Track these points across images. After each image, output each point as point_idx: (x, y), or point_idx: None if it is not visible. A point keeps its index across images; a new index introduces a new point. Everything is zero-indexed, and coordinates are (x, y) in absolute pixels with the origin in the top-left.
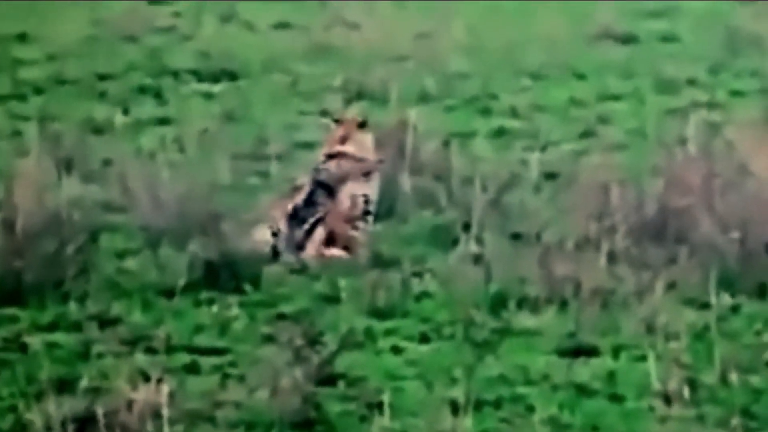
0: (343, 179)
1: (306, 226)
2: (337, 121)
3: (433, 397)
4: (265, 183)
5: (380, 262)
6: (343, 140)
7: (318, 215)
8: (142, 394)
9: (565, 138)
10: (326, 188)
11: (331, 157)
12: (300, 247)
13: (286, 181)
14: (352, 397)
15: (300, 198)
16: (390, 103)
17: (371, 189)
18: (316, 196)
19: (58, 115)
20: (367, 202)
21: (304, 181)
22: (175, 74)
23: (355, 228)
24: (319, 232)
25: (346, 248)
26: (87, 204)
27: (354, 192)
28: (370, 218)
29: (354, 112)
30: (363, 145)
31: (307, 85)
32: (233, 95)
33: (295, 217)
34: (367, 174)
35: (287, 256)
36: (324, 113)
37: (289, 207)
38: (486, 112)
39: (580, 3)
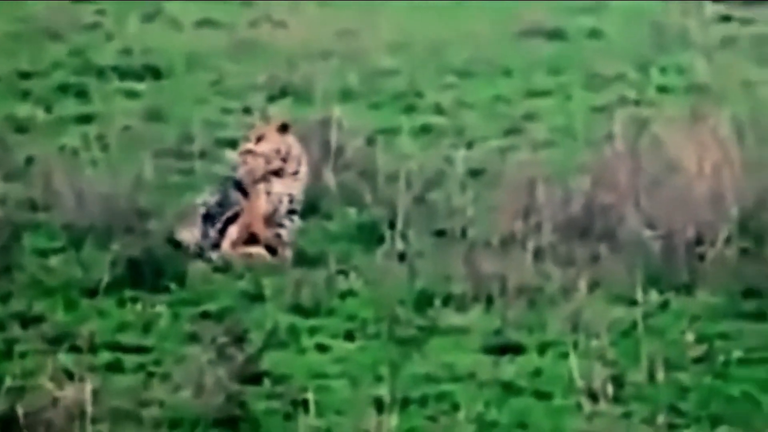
0: (256, 178)
1: (218, 225)
2: (263, 120)
3: (358, 396)
4: (188, 181)
5: (305, 259)
6: (259, 139)
7: (228, 214)
8: (66, 393)
9: (491, 135)
10: (239, 187)
11: (245, 155)
12: (216, 245)
13: (210, 179)
14: (277, 395)
15: (214, 197)
16: (314, 99)
17: (296, 188)
18: (229, 194)
19: None
20: (291, 201)
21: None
22: (99, 72)
23: (279, 226)
24: (232, 231)
25: (268, 248)
26: (10, 202)
27: (276, 191)
28: (296, 217)
29: (277, 109)
30: (281, 145)
31: (231, 83)
32: (157, 93)
33: (208, 217)
34: (295, 173)
35: (209, 255)
36: (247, 110)
37: (201, 206)
38: (411, 109)
39: (507, 1)
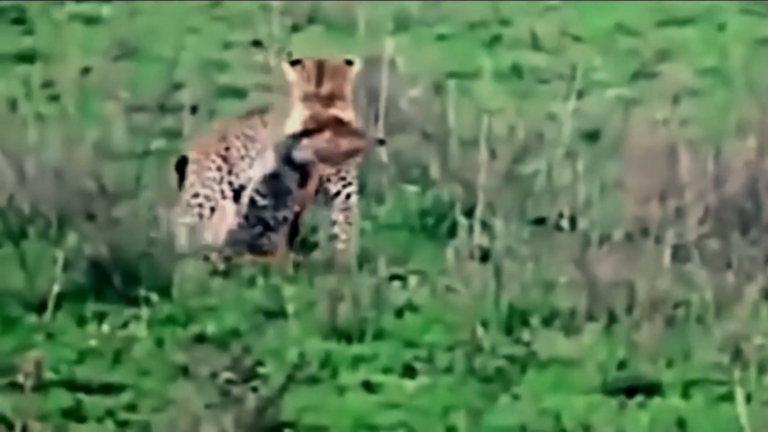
0: (337, 159)
1: (270, 220)
2: (295, 64)
3: None
4: (174, 146)
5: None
6: (330, 99)
7: (285, 213)
8: None
9: (611, 81)
10: (300, 172)
11: (311, 131)
12: (253, 247)
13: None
14: None
15: (257, 176)
16: (356, 29)
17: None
18: (284, 177)
19: None
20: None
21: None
22: None
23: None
24: (283, 232)
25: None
26: None
27: (327, 172)
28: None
29: (303, 44)
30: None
31: (235, 5)
32: (128, 19)
33: (254, 206)
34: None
35: (227, 251)
36: (257, 44)
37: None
38: (495, 42)
39: None
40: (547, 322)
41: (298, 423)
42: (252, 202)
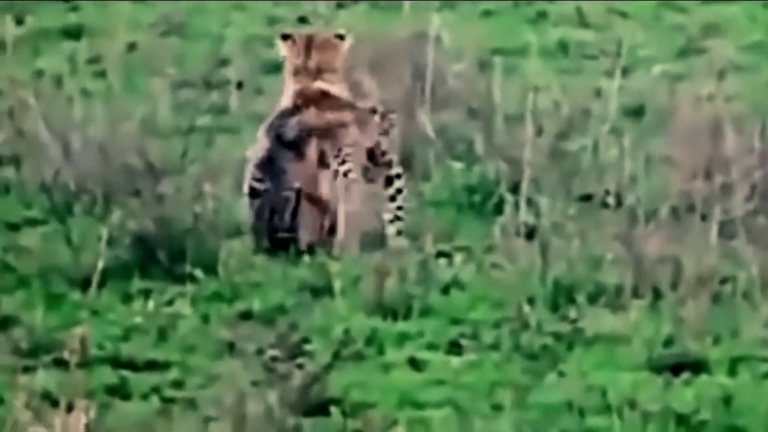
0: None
1: (273, 204)
2: (286, 39)
3: None
4: (221, 122)
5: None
6: (318, 72)
7: (289, 191)
8: (47, 428)
9: (657, 57)
10: (294, 150)
11: (297, 107)
12: (275, 230)
13: (252, 120)
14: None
15: (252, 161)
16: (403, 7)
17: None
18: (280, 161)
19: None
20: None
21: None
22: None
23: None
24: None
25: None
26: None
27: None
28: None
29: (348, 21)
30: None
31: None
32: None
33: (255, 194)
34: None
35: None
36: (303, 20)
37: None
38: (540, 18)
39: None
40: (593, 299)
41: (344, 400)
42: (252, 191)
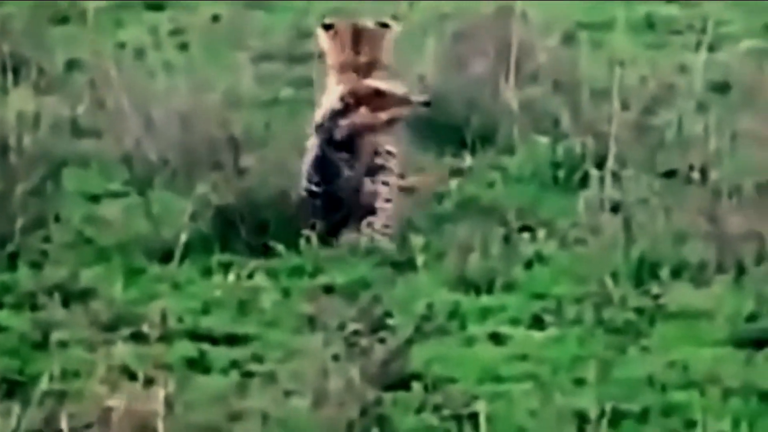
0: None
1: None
2: (328, 28)
3: (550, 408)
4: (305, 95)
5: (473, 210)
6: (368, 69)
7: (344, 192)
8: (126, 400)
9: (745, 32)
10: (346, 150)
11: (348, 108)
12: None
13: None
14: (434, 406)
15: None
16: None
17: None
18: (333, 162)
19: None
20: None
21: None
22: None
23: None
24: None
25: None
26: (43, 125)
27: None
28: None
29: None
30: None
31: None
32: None
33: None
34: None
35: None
36: None
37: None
38: None
39: None
40: (676, 274)
41: (426, 374)
42: (310, 192)
